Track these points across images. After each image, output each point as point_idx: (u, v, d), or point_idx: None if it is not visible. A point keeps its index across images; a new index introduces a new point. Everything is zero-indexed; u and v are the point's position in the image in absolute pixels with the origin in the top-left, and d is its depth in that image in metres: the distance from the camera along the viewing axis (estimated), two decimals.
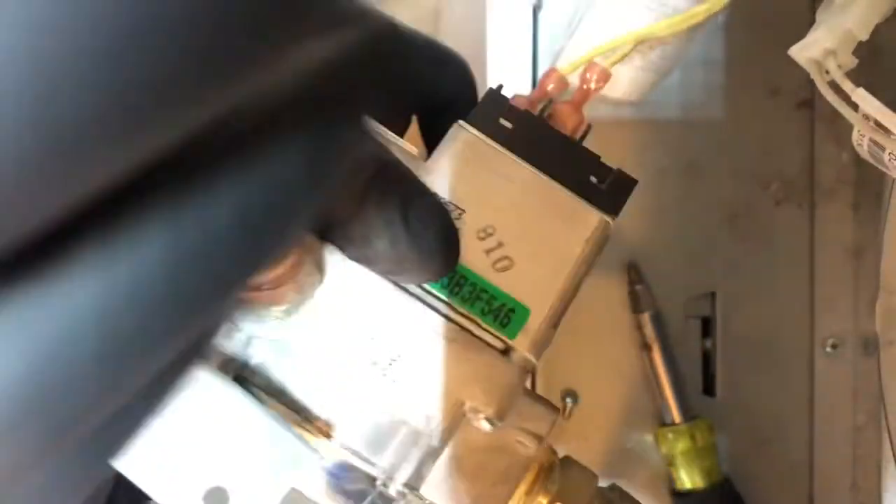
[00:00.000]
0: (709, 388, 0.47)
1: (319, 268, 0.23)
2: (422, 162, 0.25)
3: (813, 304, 0.47)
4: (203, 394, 0.23)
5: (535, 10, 0.45)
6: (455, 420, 0.23)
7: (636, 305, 0.46)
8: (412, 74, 0.26)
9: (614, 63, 0.30)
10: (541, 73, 0.46)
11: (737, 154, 0.47)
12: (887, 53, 0.44)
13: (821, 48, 0.23)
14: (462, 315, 0.24)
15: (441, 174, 0.25)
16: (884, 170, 0.26)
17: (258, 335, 0.24)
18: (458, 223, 0.25)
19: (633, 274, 0.46)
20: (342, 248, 0.23)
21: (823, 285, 0.47)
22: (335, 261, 0.23)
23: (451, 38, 0.71)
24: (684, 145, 0.47)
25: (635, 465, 0.47)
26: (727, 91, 0.47)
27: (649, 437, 0.47)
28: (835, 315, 0.47)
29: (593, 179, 0.26)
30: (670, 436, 0.45)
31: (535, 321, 0.24)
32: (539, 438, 0.26)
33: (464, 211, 0.25)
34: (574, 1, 0.45)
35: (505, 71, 0.45)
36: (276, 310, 0.23)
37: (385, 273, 0.24)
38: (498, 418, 0.23)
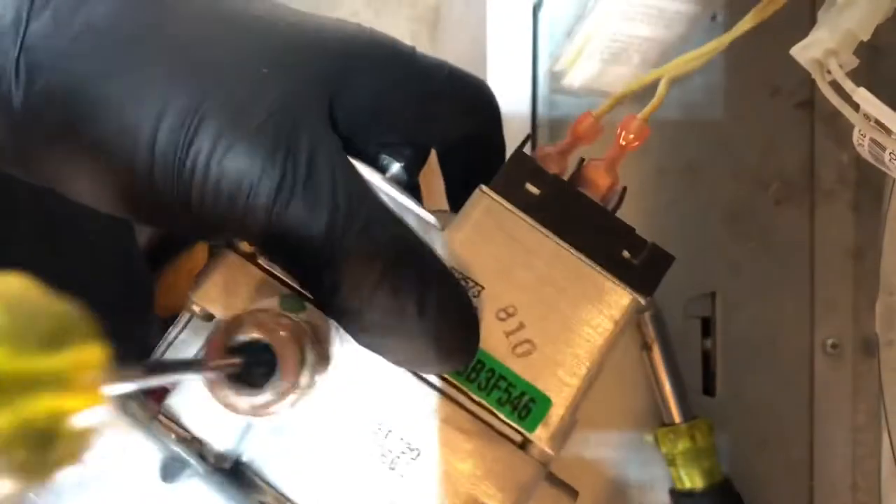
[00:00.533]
0: (709, 388, 0.47)
1: (324, 359, 0.22)
2: (439, 232, 0.23)
3: (813, 304, 0.47)
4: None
5: (535, 10, 0.45)
6: None
7: None
8: (430, 114, 0.25)
9: (649, 112, 0.28)
10: (541, 73, 0.46)
11: (737, 154, 0.47)
12: (888, 53, 0.44)
13: (822, 48, 0.23)
14: (478, 404, 0.22)
15: (460, 246, 0.23)
16: (884, 170, 0.26)
17: (256, 424, 0.22)
18: (475, 301, 0.23)
19: None
20: (353, 336, 0.22)
21: (823, 285, 0.47)
22: (346, 347, 0.22)
23: (450, 37, 0.71)
24: (684, 145, 0.47)
25: (635, 465, 0.47)
26: (727, 91, 0.47)
27: (649, 437, 0.47)
28: (835, 315, 0.47)
29: (626, 254, 0.24)
30: (670, 436, 0.45)
31: (557, 412, 0.22)
32: None
33: (483, 288, 0.23)
34: (574, 1, 0.45)
35: (505, 71, 0.45)
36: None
37: (399, 364, 0.22)
38: None
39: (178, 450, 0.22)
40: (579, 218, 0.24)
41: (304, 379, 0.20)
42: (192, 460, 0.22)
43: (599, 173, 0.25)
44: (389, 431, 0.22)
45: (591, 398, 0.47)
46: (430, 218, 0.23)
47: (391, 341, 0.22)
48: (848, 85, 0.23)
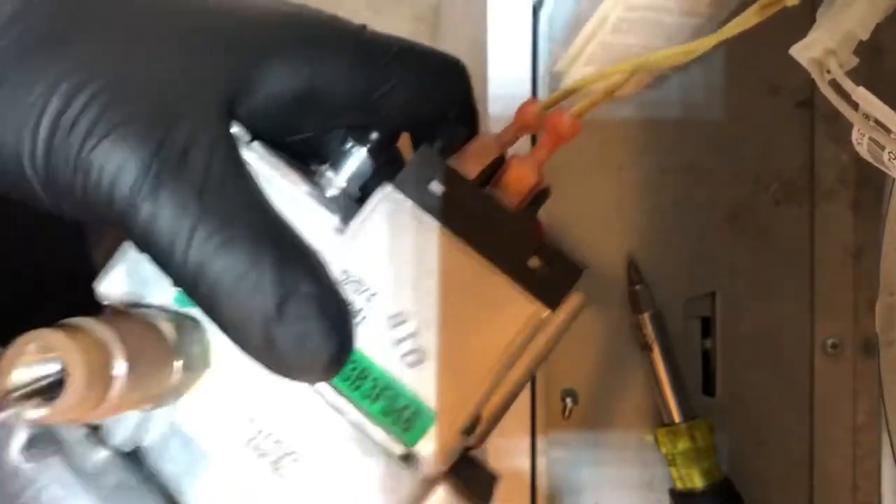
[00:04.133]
0: (709, 388, 0.47)
1: (156, 364, 0.21)
2: (337, 232, 0.22)
3: (813, 304, 0.47)
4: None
5: (535, 10, 0.45)
6: None
7: (636, 305, 0.46)
8: (383, 93, 0.24)
9: (609, 94, 0.25)
10: (541, 73, 0.46)
11: (737, 154, 0.47)
12: (888, 53, 0.44)
13: (822, 48, 0.23)
14: (361, 413, 0.21)
15: (355, 247, 0.22)
16: (883, 169, 0.26)
17: (152, 417, 0.22)
18: (367, 307, 0.22)
19: (633, 274, 0.46)
20: (224, 333, 0.21)
21: (823, 285, 0.47)
22: (229, 346, 0.21)
23: (450, 37, 0.71)
24: (684, 145, 0.47)
25: (635, 465, 0.47)
26: (727, 91, 0.47)
27: (649, 437, 0.47)
28: (835, 315, 0.47)
29: (534, 262, 0.22)
30: (670, 436, 0.45)
31: (443, 427, 0.21)
32: None
33: (375, 293, 0.22)
34: (574, 1, 0.45)
35: (505, 71, 0.45)
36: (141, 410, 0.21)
37: (267, 369, 0.21)
38: None
39: (80, 434, 0.22)
40: (485, 221, 0.22)
41: (113, 391, 0.19)
42: (94, 445, 0.22)
43: (522, 171, 0.23)
44: (270, 434, 0.22)
45: (591, 398, 0.47)
46: (330, 219, 0.22)
47: (251, 343, 0.21)
48: (847, 84, 0.23)
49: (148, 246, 0.21)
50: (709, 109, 0.47)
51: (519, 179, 0.23)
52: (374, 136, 0.24)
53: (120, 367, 0.19)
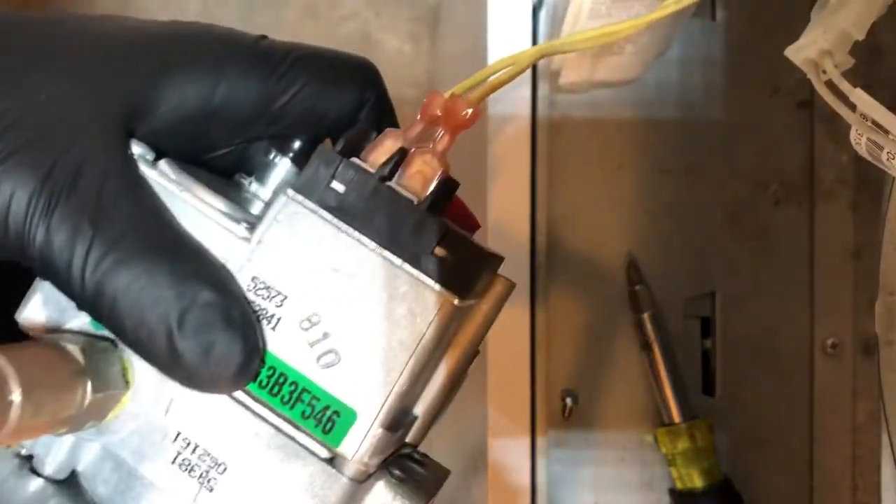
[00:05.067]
0: (709, 388, 0.47)
1: (64, 390, 0.21)
2: (243, 240, 0.22)
3: (813, 304, 0.47)
4: None
5: (535, 10, 0.45)
6: None
7: (636, 305, 0.46)
8: (288, 101, 0.24)
9: (503, 82, 0.25)
10: (541, 73, 0.46)
11: (737, 154, 0.47)
12: (886, 53, 0.44)
13: (817, 48, 0.23)
14: (282, 418, 0.21)
15: (262, 253, 0.22)
16: (882, 167, 0.26)
17: (82, 438, 0.22)
18: (279, 312, 0.22)
19: (633, 274, 0.46)
20: (133, 350, 0.22)
21: (823, 285, 0.47)
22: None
23: (450, 37, 0.71)
24: (684, 145, 0.47)
25: (635, 465, 0.47)
26: (727, 91, 0.47)
27: (649, 437, 0.47)
28: (835, 315, 0.47)
29: (440, 252, 0.22)
30: (670, 436, 0.45)
31: (363, 425, 0.21)
32: None
33: (286, 297, 0.22)
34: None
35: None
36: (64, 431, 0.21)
37: (177, 381, 0.21)
38: None
39: (11, 466, 0.22)
40: (388, 214, 0.22)
41: (12, 415, 0.19)
42: (26, 475, 0.22)
43: (425, 162, 0.23)
44: (196, 445, 0.22)
45: (591, 398, 0.47)
46: (236, 228, 0.22)
47: (157, 359, 0.21)
48: (844, 85, 0.23)
49: (47, 272, 0.21)
50: (709, 109, 0.47)
51: (421, 170, 0.23)
52: (297, 144, 0.25)
53: (14, 394, 0.19)
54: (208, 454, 0.22)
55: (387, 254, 0.22)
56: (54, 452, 0.22)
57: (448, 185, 0.23)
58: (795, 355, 0.47)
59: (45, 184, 0.21)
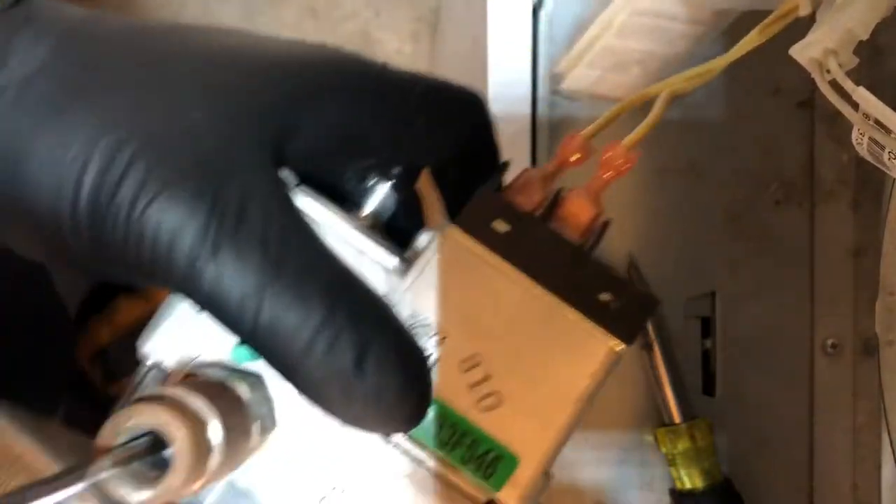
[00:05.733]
0: (709, 388, 0.47)
1: (244, 432, 0.20)
2: (399, 276, 0.22)
3: (813, 304, 0.47)
4: None
5: (535, 11, 0.45)
6: None
7: None
8: (409, 131, 0.24)
9: (640, 137, 0.25)
10: (541, 73, 0.46)
11: (737, 154, 0.47)
12: (888, 53, 0.44)
13: (821, 48, 0.23)
14: (440, 462, 0.21)
15: (421, 290, 0.21)
16: (883, 168, 0.26)
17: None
18: (437, 351, 0.21)
19: (633, 274, 0.46)
20: (298, 391, 0.21)
21: (823, 285, 0.47)
22: (294, 400, 0.20)
23: (450, 37, 0.71)
24: (684, 145, 0.47)
25: (635, 465, 0.47)
26: (727, 91, 0.47)
27: (649, 437, 0.47)
28: (835, 315, 0.47)
29: (605, 297, 0.21)
30: (670, 436, 0.45)
31: (526, 471, 0.21)
32: None
33: (446, 337, 0.21)
34: (575, 1, 0.45)
35: (505, 71, 0.45)
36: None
37: (344, 423, 0.20)
38: None
39: None
40: (552, 257, 0.21)
41: (212, 462, 0.19)
42: None
43: (580, 204, 0.23)
44: (344, 491, 0.21)
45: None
46: (390, 261, 0.22)
47: (330, 400, 0.20)
48: (848, 84, 0.23)
49: (214, 308, 0.20)
50: (709, 109, 0.47)
51: (578, 213, 0.23)
52: (398, 170, 0.24)
53: (217, 437, 0.18)
54: (360, 500, 0.21)
55: (553, 297, 0.21)
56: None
57: (604, 228, 0.23)
58: (795, 355, 0.47)
59: (213, 216, 0.20)
